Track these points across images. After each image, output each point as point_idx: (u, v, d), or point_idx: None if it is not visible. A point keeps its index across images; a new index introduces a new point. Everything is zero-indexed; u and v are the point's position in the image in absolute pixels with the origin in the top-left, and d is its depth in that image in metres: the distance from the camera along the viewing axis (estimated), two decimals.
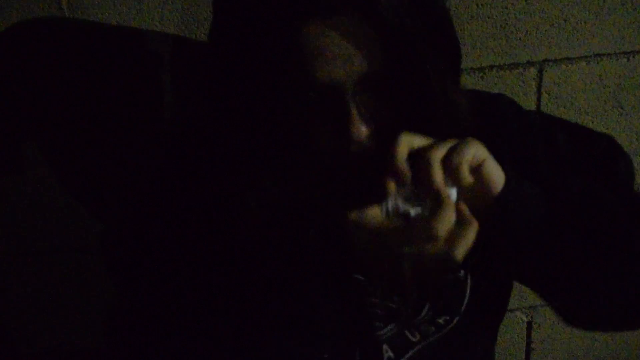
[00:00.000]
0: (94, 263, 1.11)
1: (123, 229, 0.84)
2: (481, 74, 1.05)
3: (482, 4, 1.00)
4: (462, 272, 0.77)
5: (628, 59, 1.07)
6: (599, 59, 1.07)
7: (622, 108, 1.11)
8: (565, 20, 1.03)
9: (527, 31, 1.03)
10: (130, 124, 1.04)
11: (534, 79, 1.06)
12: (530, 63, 1.05)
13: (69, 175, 1.08)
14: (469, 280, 0.77)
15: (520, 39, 1.03)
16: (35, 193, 1.07)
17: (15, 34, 0.97)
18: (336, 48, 0.60)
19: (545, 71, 1.06)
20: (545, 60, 1.05)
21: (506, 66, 1.05)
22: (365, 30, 0.60)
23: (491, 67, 1.05)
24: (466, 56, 1.03)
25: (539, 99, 1.08)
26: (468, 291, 0.77)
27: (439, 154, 0.60)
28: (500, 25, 1.02)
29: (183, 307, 0.73)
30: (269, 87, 0.62)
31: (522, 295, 1.21)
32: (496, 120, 0.78)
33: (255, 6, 0.60)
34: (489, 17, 1.01)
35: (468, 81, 1.05)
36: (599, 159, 0.81)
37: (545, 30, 1.03)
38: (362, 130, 0.64)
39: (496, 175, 0.63)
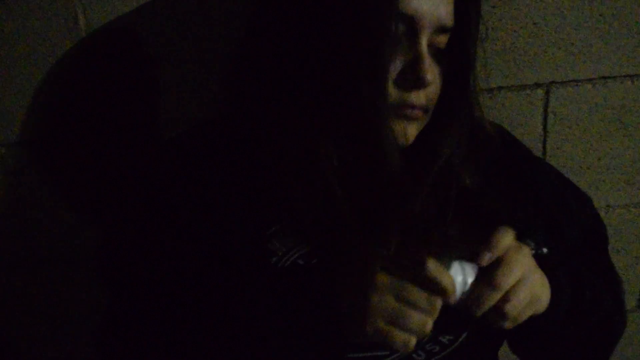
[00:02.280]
0: (82, 274, 1.12)
1: (125, 234, 0.84)
2: (490, 94, 1.08)
3: (492, 27, 1.03)
4: None
5: (632, 82, 1.11)
6: (604, 81, 1.10)
7: (625, 129, 1.14)
8: (572, 44, 1.06)
9: (535, 54, 1.06)
10: (129, 127, 1.05)
11: (541, 100, 1.10)
12: (537, 85, 1.09)
13: (65, 182, 1.09)
14: None
15: (528, 61, 1.06)
16: (25, 201, 1.07)
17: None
18: None
19: (552, 92, 1.09)
20: (552, 82, 1.09)
21: (514, 87, 1.08)
22: None
23: (500, 88, 1.08)
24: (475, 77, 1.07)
25: (545, 120, 1.11)
26: None
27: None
28: (509, 48, 1.05)
29: (183, 315, 0.73)
30: (358, 15, 0.66)
31: None
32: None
33: None
34: (498, 40, 1.04)
35: None
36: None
37: (553, 53, 1.06)
38: (429, 74, 0.70)
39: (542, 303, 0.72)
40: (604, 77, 1.09)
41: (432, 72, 0.71)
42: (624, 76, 1.10)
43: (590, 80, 1.09)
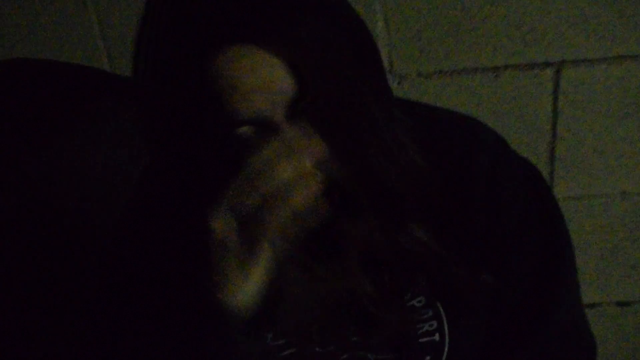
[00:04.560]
0: None
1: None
2: (495, 73, 1.02)
3: (496, 4, 0.97)
4: (438, 335, 0.74)
5: None
6: (621, 61, 1.02)
7: None
8: (585, 20, 0.98)
9: (544, 31, 0.99)
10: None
11: (550, 80, 1.03)
12: (547, 64, 1.02)
13: None
14: (446, 343, 0.75)
15: (536, 39, 1.00)
16: None
17: None
18: (253, 78, 0.54)
19: (563, 73, 1.03)
20: (563, 62, 1.02)
21: (521, 66, 1.02)
22: (285, 54, 0.54)
23: (505, 67, 1.02)
24: (479, 55, 1.01)
25: (555, 102, 1.05)
26: (445, 354, 0.75)
27: None
28: (516, 25, 0.98)
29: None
30: (189, 127, 0.56)
31: None
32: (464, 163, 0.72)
33: (162, 39, 0.55)
34: (504, 17, 0.98)
35: (480, 81, 1.02)
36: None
37: (564, 30, 0.99)
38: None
39: None
40: (621, 57, 1.02)
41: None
42: None
43: (605, 59, 1.02)
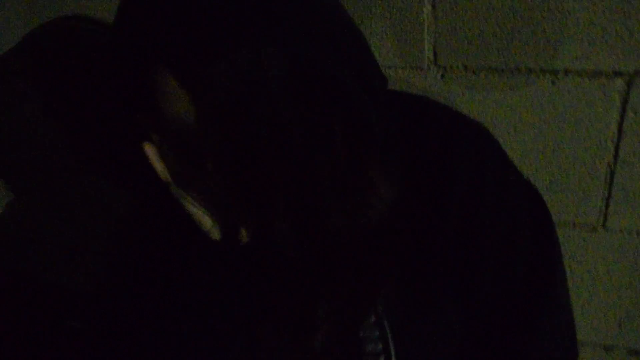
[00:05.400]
0: None
1: None
2: (552, 77, 0.89)
3: (561, 0, 0.84)
4: (383, 357, 0.70)
5: None
6: None
7: None
8: None
9: (617, 34, 0.85)
10: None
11: (618, 91, 0.88)
12: (617, 73, 0.87)
13: None
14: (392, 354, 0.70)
15: (607, 42, 0.85)
16: None
17: None
18: (167, 101, 0.59)
19: (636, 85, 0.88)
20: (636, 72, 0.87)
21: (585, 73, 0.88)
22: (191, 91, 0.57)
23: (566, 71, 0.88)
24: (536, 54, 0.88)
25: (622, 117, 0.90)
26: None
27: None
28: (584, 24, 0.85)
29: None
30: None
31: None
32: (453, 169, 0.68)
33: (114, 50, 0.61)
34: (571, 13, 0.85)
35: (534, 84, 0.89)
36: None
37: None
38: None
39: None
40: None
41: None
42: None
43: None
